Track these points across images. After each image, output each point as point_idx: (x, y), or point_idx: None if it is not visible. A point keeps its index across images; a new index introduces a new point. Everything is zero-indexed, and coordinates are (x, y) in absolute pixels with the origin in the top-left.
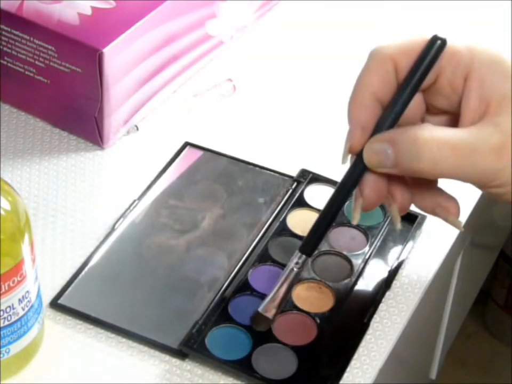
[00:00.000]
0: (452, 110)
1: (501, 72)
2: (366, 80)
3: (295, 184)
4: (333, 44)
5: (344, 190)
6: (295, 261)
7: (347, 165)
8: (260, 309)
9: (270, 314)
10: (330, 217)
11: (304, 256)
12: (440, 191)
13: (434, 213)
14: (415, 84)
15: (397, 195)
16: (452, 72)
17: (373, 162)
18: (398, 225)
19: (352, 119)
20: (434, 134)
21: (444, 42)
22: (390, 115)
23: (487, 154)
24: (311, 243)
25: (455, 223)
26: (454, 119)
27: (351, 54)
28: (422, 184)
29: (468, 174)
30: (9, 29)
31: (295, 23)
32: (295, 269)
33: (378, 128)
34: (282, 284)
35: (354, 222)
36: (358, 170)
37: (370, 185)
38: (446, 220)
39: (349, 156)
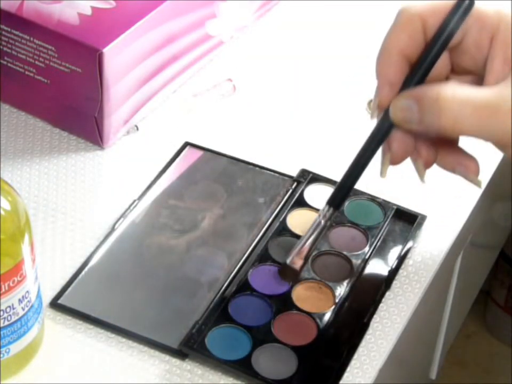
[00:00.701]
0: (476, 71)
1: None
2: (394, 37)
3: (295, 184)
4: (333, 43)
5: (372, 144)
6: (322, 214)
7: (348, 161)
8: (287, 261)
9: (297, 266)
10: (358, 170)
11: (331, 209)
12: (461, 150)
13: (454, 171)
14: (443, 43)
15: (423, 151)
16: (478, 32)
17: (398, 118)
18: (423, 179)
19: (380, 75)
20: (456, 92)
21: (471, 2)
22: (418, 72)
23: (509, 114)
24: (339, 196)
25: (474, 181)
26: (478, 80)
27: (351, 54)
28: (444, 142)
29: (489, 133)
30: (9, 29)
31: (295, 23)
32: (322, 222)
33: (405, 85)
34: (309, 236)
35: (383, 176)
36: (386, 125)
37: (398, 140)
38: (465, 177)
39: (377, 112)
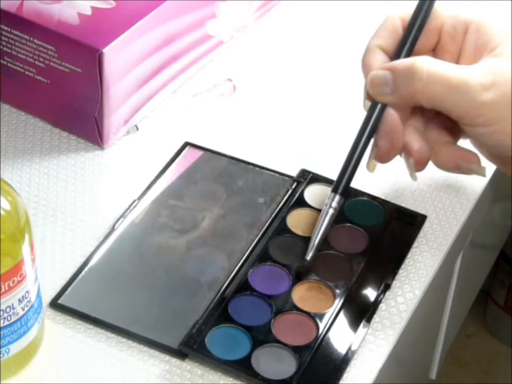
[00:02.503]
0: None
1: (497, 22)
2: (376, 35)
3: (295, 184)
4: (333, 43)
5: (363, 134)
6: (329, 203)
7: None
8: (308, 258)
9: (308, 256)
10: (357, 157)
11: (338, 197)
12: (460, 147)
13: (458, 167)
14: (417, 29)
15: (414, 147)
16: (453, 26)
17: (374, 88)
18: (414, 177)
19: (364, 68)
20: (430, 60)
21: None
22: (398, 56)
23: (477, 88)
24: (342, 183)
25: (479, 171)
26: None
27: (351, 54)
28: (444, 143)
29: (457, 102)
30: (9, 29)
31: (295, 23)
32: (330, 211)
33: None
34: (320, 227)
35: (370, 170)
36: (375, 111)
37: (384, 134)
38: (469, 170)
39: (367, 103)
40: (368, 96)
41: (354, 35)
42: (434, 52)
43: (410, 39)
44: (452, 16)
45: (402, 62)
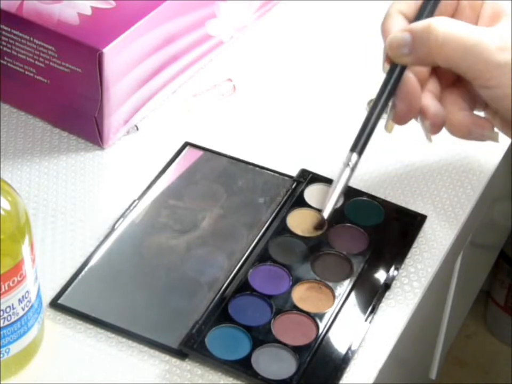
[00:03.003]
0: None
1: None
2: (394, 3)
3: (295, 184)
4: (333, 44)
5: (382, 96)
6: (346, 162)
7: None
8: (325, 215)
9: (325, 214)
10: (375, 118)
11: (355, 156)
12: (473, 113)
13: (470, 133)
14: None
15: (430, 110)
16: None
17: (393, 49)
18: (429, 139)
19: (383, 32)
20: (446, 21)
21: None
22: (418, 20)
23: (492, 48)
24: (360, 142)
25: (491, 136)
26: None
27: (351, 54)
28: (458, 107)
29: (472, 62)
30: (9, 29)
31: (295, 23)
32: (347, 169)
33: None
34: (336, 184)
35: (388, 131)
36: (393, 76)
37: (402, 97)
38: (482, 135)
39: (386, 66)
40: (387, 58)
41: (354, 35)
42: (453, 18)
43: (430, 3)
44: None
45: (420, 23)
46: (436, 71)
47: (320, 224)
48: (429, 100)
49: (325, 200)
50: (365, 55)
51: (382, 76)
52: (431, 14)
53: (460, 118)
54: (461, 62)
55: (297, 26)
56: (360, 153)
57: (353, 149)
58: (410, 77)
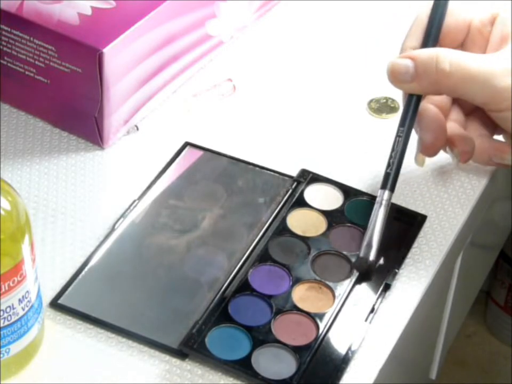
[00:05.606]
0: None
1: None
2: (409, 35)
3: (295, 184)
4: (333, 43)
5: (404, 122)
6: (380, 200)
7: (348, 161)
8: (361, 254)
9: (371, 257)
10: (400, 152)
11: (387, 192)
12: (493, 139)
13: (490, 158)
14: (438, 23)
15: (457, 138)
16: (481, 21)
17: (395, 75)
18: (459, 166)
19: (403, 46)
20: (451, 51)
21: None
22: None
23: (500, 73)
24: (389, 179)
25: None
26: None
27: (351, 54)
28: (478, 133)
29: (480, 89)
30: (9, 29)
31: (295, 23)
32: (382, 207)
33: None
34: (374, 226)
35: (418, 164)
36: (411, 106)
37: (426, 127)
38: (502, 159)
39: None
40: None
41: (354, 35)
42: (463, 45)
43: (432, 32)
44: (480, 12)
45: (425, 52)
46: (457, 100)
47: (367, 269)
48: (454, 129)
49: (363, 243)
50: (365, 55)
51: (382, 76)
52: (435, 41)
53: (480, 145)
54: (468, 90)
55: (297, 26)
56: (392, 190)
57: (383, 187)
58: (430, 108)
